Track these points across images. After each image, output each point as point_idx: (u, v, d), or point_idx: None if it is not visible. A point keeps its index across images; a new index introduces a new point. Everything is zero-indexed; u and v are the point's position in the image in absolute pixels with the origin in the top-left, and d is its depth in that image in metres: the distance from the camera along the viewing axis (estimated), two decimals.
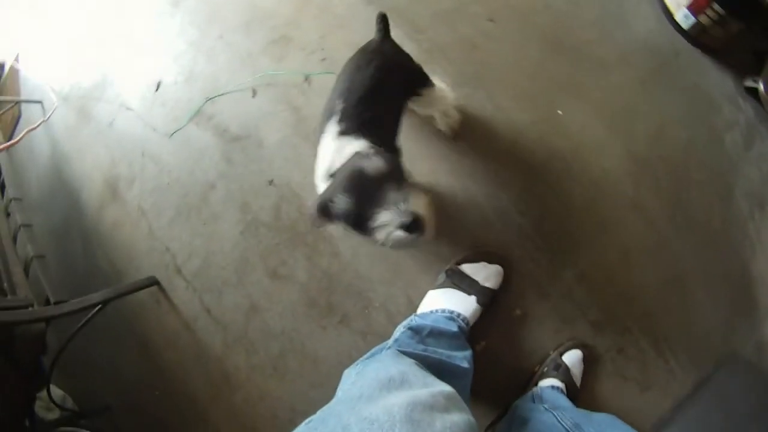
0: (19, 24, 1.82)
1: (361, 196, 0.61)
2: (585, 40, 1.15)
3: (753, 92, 1.17)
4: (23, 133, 1.39)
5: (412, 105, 0.95)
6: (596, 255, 1.01)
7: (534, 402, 0.86)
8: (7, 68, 1.83)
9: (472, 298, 0.92)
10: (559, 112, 1.08)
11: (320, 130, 0.77)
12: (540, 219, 1.02)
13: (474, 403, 0.89)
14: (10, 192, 1.32)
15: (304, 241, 1.09)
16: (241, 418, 1.10)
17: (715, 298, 1.03)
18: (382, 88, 0.79)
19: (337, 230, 1.07)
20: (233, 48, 1.27)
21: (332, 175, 0.69)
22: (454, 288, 0.94)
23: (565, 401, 0.86)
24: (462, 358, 0.80)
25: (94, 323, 1.01)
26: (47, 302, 0.99)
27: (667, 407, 0.95)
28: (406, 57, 0.90)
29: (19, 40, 1.82)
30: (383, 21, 0.88)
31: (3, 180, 1.38)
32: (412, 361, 0.66)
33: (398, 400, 0.46)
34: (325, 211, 0.65)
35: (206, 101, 1.25)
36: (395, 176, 0.64)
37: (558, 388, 0.90)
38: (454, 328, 0.86)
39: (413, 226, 0.60)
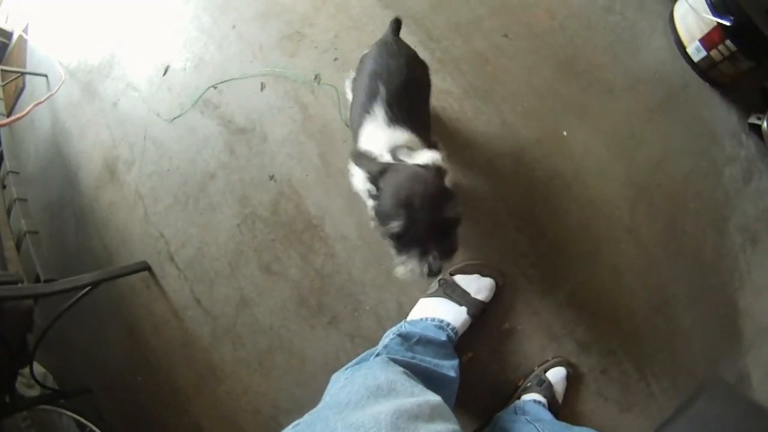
0: None
1: (413, 221, 0.63)
2: (597, 64, 1.16)
3: (756, 129, 1.20)
4: (30, 106, 1.35)
5: None
6: (588, 276, 1.03)
7: (516, 414, 0.88)
8: (15, 38, 1.81)
9: (463, 309, 0.93)
10: (564, 132, 1.09)
11: (363, 109, 0.76)
12: (536, 236, 1.03)
13: (457, 412, 0.89)
14: (8, 164, 1.31)
15: (300, 239, 1.09)
16: (223, 410, 1.10)
17: (701, 326, 1.05)
18: (415, 78, 0.80)
19: (333, 231, 1.07)
20: (246, 39, 1.27)
21: (378, 167, 0.68)
22: (445, 297, 0.94)
23: (546, 414, 0.88)
24: (449, 367, 0.81)
25: (82, 303, 1.00)
26: (37, 279, 0.98)
27: (645, 429, 0.97)
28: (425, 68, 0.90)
29: (29, 11, 1.81)
30: (396, 25, 0.89)
31: (2, 151, 1.36)
32: (401, 369, 0.66)
33: (385, 408, 0.47)
34: (383, 219, 0.67)
35: (208, 88, 1.25)
36: (445, 202, 0.65)
37: (540, 402, 0.91)
38: (443, 338, 0.87)
39: (434, 273, 0.64)
